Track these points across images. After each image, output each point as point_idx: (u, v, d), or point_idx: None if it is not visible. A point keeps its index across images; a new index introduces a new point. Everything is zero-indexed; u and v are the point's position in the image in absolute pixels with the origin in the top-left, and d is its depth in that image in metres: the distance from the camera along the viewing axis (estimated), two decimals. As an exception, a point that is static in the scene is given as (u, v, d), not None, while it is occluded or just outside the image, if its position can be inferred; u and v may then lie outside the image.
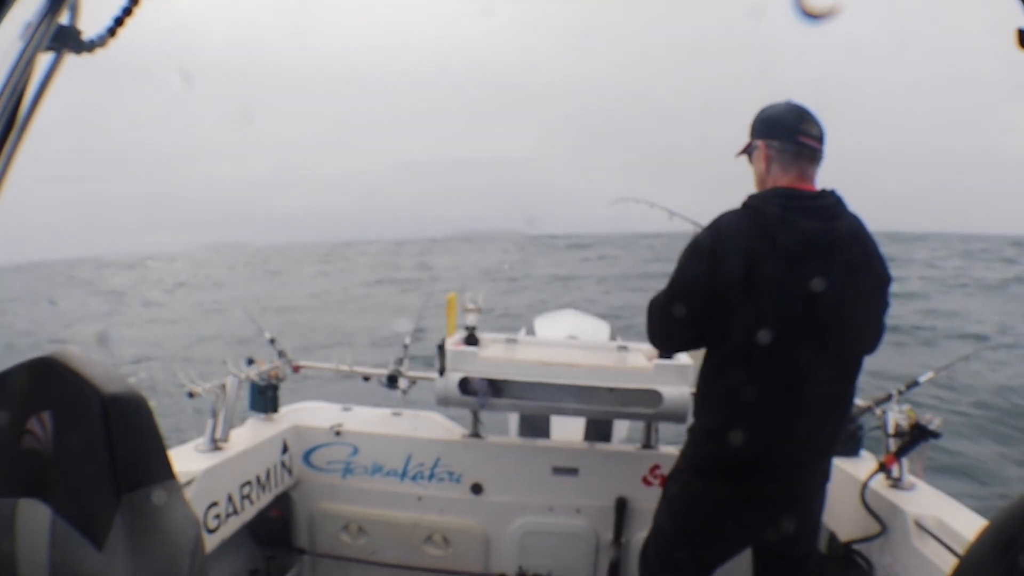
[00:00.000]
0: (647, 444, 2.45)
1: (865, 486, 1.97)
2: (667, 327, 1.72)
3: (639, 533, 1.96)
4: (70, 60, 0.97)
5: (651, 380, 2.19)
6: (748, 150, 1.75)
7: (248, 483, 2.17)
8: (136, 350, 11.54)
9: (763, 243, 1.56)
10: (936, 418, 1.94)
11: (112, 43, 0.98)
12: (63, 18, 0.93)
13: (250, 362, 2.37)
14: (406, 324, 2.59)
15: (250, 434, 2.30)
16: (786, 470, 1.65)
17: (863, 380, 1.70)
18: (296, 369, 2.53)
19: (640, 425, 2.50)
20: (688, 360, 2.20)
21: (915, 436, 1.96)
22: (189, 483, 1.89)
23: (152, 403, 0.90)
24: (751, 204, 1.65)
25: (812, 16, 0.62)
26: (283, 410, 2.54)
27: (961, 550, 1.63)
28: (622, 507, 2.39)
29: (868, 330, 1.70)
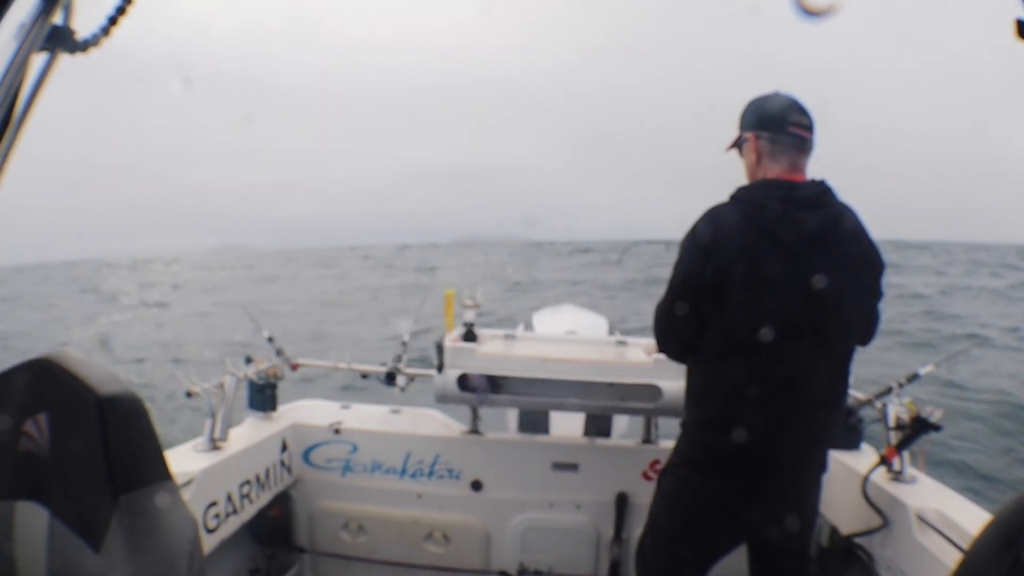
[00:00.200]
0: (647, 439, 2.45)
1: (866, 479, 1.97)
2: (672, 327, 1.71)
3: (639, 528, 1.96)
4: (64, 60, 0.96)
5: (650, 375, 2.18)
6: (738, 143, 1.74)
7: (247, 482, 2.17)
8: (134, 352, 11.55)
9: (763, 239, 1.56)
10: (937, 411, 1.94)
11: (106, 42, 0.98)
12: (57, 18, 0.93)
13: (248, 361, 2.37)
14: (405, 325, 2.59)
15: (249, 433, 2.30)
16: (782, 462, 1.65)
17: (864, 378, 1.69)
18: (294, 367, 2.52)
19: (639, 420, 2.50)
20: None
21: (916, 429, 1.95)
22: (188, 483, 1.89)
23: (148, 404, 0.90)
24: (744, 197, 1.64)
25: (811, 13, 0.62)
26: (282, 408, 2.54)
27: (963, 543, 1.63)
28: (622, 502, 2.39)
29: (863, 322, 1.71)
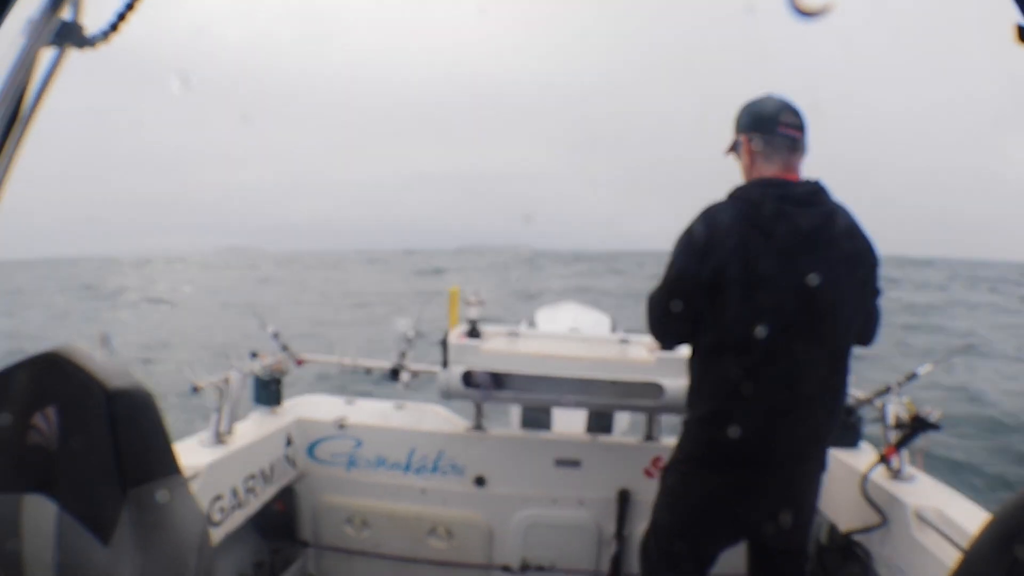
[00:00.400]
0: (649, 436, 2.46)
1: (865, 478, 1.98)
2: (667, 323, 1.75)
3: (641, 525, 1.97)
4: (74, 56, 0.97)
5: (652, 372, 2.19)
6: (734, 146, 1.77)
7: (252, 476, 2.18)
8: (136, 352, 11.56)
9: (758, 238, 1.58)
10: (936, 410, 1.95)
11: (115, 38, 0.98)
12: (65, 14, 0.94)
13: (253, 356, 2.37)
14: (407, 323, 2.59)
15: (254, 427, 2.31)
16: (780, 459, 1.66)
17: (865, 376, 1.70)
18: (299, 362, 2.53)
19: (641, 417, 2.51)
20: (689, 352, 2.21)
21: (915, 428, 1.96)
22: (193, 477, 1.90)
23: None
24: (740, 195, 1.66)
25: (805, 13, 0.62)
26: (287, 403, 2.55)
27: (962, 541, 1.63)
28: (624, 499, 2.40)
29: (860, 320, 1.72)
